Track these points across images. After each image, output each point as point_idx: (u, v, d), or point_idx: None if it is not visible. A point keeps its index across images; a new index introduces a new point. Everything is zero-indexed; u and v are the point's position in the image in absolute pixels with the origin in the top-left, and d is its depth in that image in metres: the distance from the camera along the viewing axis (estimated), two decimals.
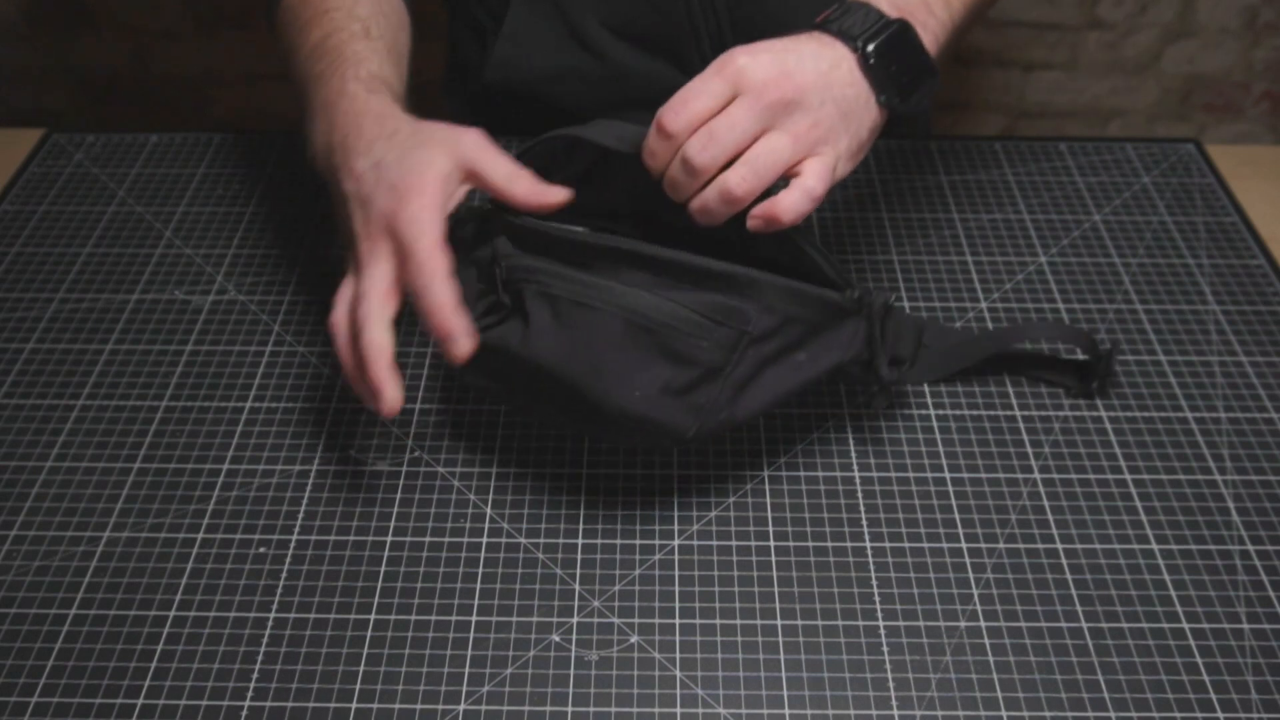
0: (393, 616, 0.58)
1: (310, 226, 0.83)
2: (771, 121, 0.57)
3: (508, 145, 0.84)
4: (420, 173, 0.57)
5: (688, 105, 0.56)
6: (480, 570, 0.60)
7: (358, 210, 0.58)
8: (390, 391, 0.56)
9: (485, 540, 0.62)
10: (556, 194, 0.59)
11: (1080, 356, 0.71)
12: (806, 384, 0.60)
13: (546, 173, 0.62)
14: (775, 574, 0.60)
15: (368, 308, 0.56)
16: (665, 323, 0.56)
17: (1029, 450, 0.67)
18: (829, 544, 0.61)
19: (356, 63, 0.65)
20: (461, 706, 0.54)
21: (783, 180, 0.58)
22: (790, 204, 0.57)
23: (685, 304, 0.57)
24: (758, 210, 0.57)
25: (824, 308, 0.59)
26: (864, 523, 0.62)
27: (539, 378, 0.59)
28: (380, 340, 0.56)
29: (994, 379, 0.71)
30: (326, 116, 0.63)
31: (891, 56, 0.60)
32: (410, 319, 0.72)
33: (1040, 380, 0.71)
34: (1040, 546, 0.61)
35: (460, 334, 0.55)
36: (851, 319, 0.60)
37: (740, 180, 0.56)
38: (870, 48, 0.59)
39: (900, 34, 0.60)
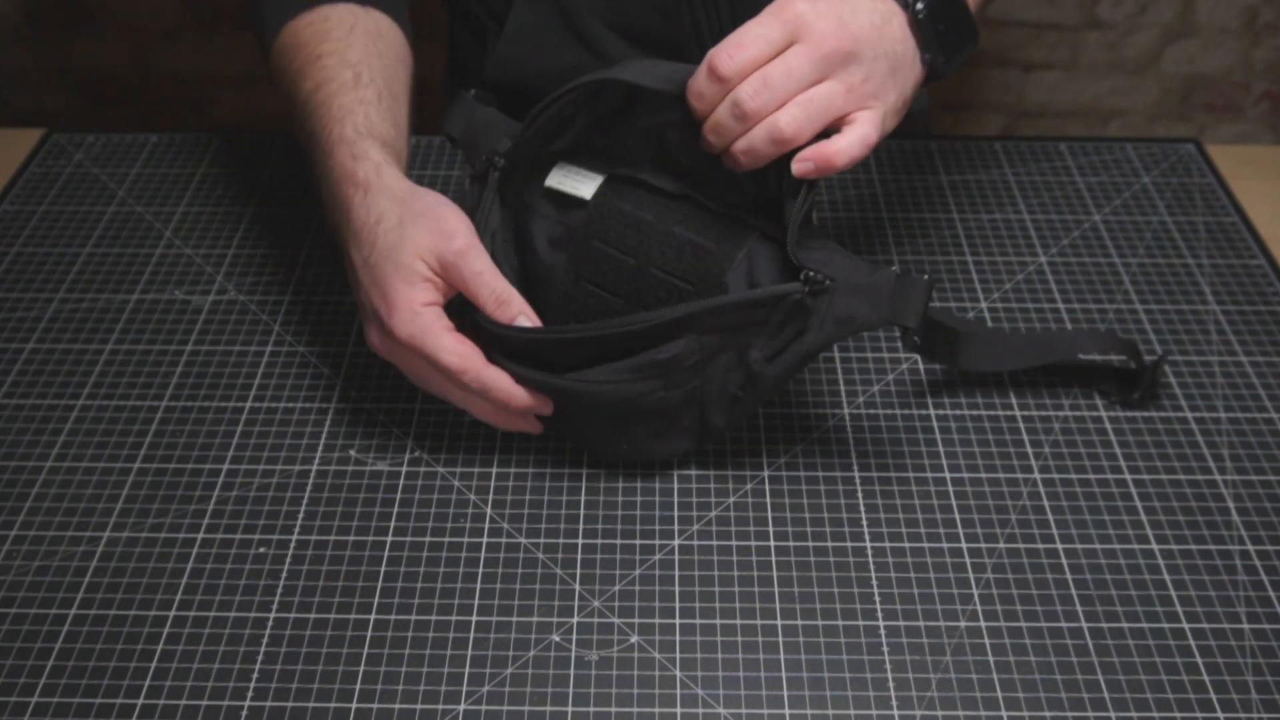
0: (393, 616, 0.58)
1: (310, 226, 0.83)
2: (827, 72, 0.56)
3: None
4: (407, 282, 0.58)
5: (743, 49, 0.55)
6: (480, 570, 0.60)
7: (362, 305, 0.61)
8: (537, 403, 0.61)
9: (485, 540, 0.62)
10: (521, 319, 0.59)
11: (1121, 361, 0.70)
12: (786, 374, 0.59)
13: (570, 117, 0.61)
14: (775, 574, 0.60)
15: (460, 398, 0.61)
16: (622, 403, 0.59)
17: (1029, 450, 0.66)
18: (829, 544, 0.61)
19: (342, 119, 0.64)
20: (461, 706, 0.54)
21: (823, 133, 0.57)
22: (844, 147, 0.56)
23: (629, 376, 0.57)
24: (808, 153, 0.56)
25: (754, 308, 0.57)
26: (864, 523, 0.62)
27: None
28: (484, 410, 0.62)
29: (994, 378, 0.71)
30: (325, 188, 0.64)
31: (939, 15, 0.60)
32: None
33: (1080, 386, 0.70)
34: (1040, 546, 0.61)
35: (537, 405, 0.60)
36: (797, 313, 0.57)
37: (791, 120, 0.55)
38: (920, 4, 0.59)
39: None
